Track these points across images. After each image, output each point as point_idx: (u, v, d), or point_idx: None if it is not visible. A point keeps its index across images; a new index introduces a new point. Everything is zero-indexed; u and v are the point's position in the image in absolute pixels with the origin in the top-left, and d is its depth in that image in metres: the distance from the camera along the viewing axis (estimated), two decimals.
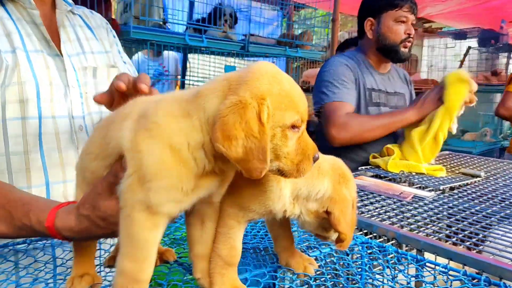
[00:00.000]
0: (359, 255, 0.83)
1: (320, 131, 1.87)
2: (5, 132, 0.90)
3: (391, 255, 0.80)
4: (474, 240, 0.93)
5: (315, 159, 0.59)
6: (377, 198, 1.24)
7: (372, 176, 1.60)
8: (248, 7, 2.63)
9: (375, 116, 1.78)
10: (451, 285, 0.69)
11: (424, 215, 1.09)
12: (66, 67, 0.99)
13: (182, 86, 3.33)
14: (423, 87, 3.79)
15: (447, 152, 2.08)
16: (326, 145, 1.78)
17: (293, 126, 0.55)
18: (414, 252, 0.90)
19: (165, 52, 3.10)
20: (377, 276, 0.76)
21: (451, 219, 1.06)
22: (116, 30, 2.29)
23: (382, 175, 1.57)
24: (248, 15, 2.65)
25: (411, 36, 1.86)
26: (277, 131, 0.55)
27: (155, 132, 0.54)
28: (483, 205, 1.18)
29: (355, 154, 1.82)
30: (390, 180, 1.52)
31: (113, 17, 2.37)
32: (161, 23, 2.46)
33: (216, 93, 0.54)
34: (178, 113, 0.54)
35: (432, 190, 1.36)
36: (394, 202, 1.20)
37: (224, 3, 2.58)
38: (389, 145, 1.73)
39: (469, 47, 5.34)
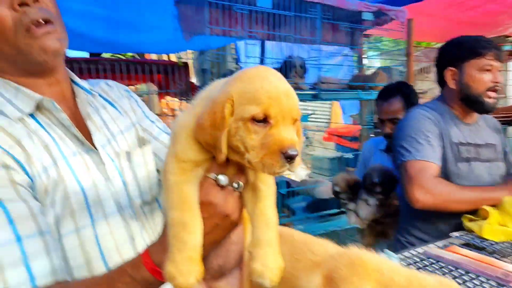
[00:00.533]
0: None
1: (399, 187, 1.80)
2: (62, 249, 0.86)
3: None
4: None
5: (287, 156, 0.61)
6: (473, 278, 1.13)
7: (464, 245, 1.48)
8: (318, 55, 2.65)
9: (465, 188, 1.66)
10: None
11: None
12: (104, 160, 0.95)
13: None
14: (511, 114, 3.45)
15: None
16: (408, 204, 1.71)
17: (255, 120, 0.61)
18: None
19: None
20: None
21: None
22: (194, 92, 2.46)
23: (478, 245, 1.44)
24: (318, 63, 2.67)
25: (497, 84, 1.73)
26: (240, 124, 0.62)
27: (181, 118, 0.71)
28: None
29: (446, 214, 1.71)
30: (489, 253, 1.39)
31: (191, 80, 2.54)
32: None
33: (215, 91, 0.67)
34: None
35: None
36: (492, 287, 1.09)
37: (294, 55, 2.63)
38: (485, 206, 1.60)
39: None
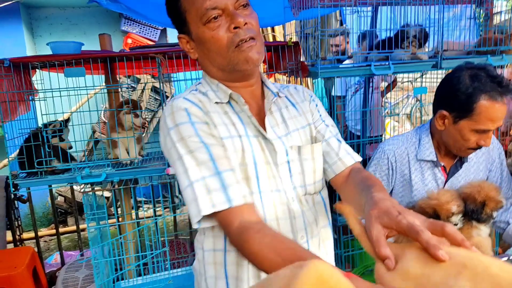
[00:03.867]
0: None
1: None
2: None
3: None
4: None
5: None
6: None
7: None
8: (440, 19, 2.39)
9: None
10: None
11: None
12: (277, 148, 1.17)
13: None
14: None
15: None
16: None
17: None
18: None
19: None
20: None
21: None
22: (305, 71, 2.46)
23: None
24: (440, 28, 2.41)
25: None
26: None
27: None
28: None
29: None
30: None
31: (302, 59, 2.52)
32: (340, 59, 2.49)
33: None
34: None
35: None
36: None
37: (411, 23, 2.42)
38: None
39: None
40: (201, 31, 1.10)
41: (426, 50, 2.51)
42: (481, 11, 2.74)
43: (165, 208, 4.70)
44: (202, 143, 1.05)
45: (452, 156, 1.72)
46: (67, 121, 2.45)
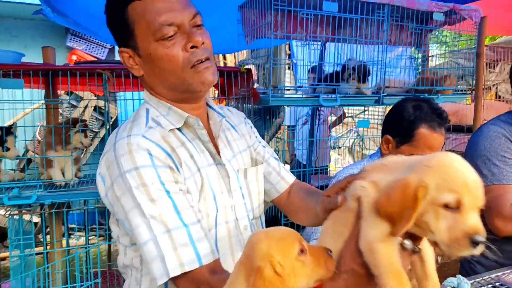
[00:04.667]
0: None
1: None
2: None
3: None
4: None
5: (474, 241, 0.66)
6: None
7: None
8: (382, 58, 2.55)
9: None
10: None
11: None
12: (229, 173, 1.12)
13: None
14: None
15: None
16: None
17: (447, 206, 0.67)
18: None
19: None
20: None
21: None
22: (256, 98, 2.48)
23: None
24: (383, 65, 2.56)
25: None
26: (429, 207, 0.68)
27: None
28: None
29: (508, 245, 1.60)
30: None
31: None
32: (293, 89, 2.56)
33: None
34: None
35: None
36: None
37: (355, 58, 2.56)
38: None
39: None
40: (153, 47, 0.99)
41: (369, 86, 2.65)
42: (419, 52, 2.97)
43: (100, 236, 4.40)
44: (165, 192, 0.93)
45: None
46: (10, 127, 2.22)
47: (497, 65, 5.48)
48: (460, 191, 0.67)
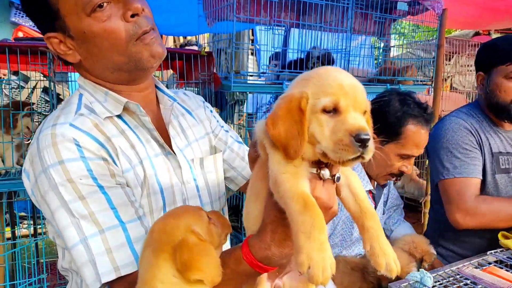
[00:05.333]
0: None
1: (438, 205, 1.71)
2: None
3: None
4: None
5: (358, 139, 0.64)
6: None
7: (500, 264, 1.41)
8: (346, 46, 2.51)
9: (510, 204, 1.56)
10: None
11: None
12: (181, 164, 1.01)
13: None
14: None
15: None
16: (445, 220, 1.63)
17: (326, 111, 0.68)
18: None
19: None
20: None
21: None
22: (217, 83, 2.37)
23: None
24: (347, 54, 2.53)
25: None
26: (313, 117, 0.68)
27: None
28: None
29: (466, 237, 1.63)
30: None
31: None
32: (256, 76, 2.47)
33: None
34: None
35: None
36: None
37: (319, 46, 2.50)
38: None
39: None
40: (86, 24, 0.87)
41: None
42: (381, 42, 2.97)
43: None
44: (97, 187, 0.84)
45: (372, 180, 1.72)
46: None
47: (452, 57, 5.68)
48: (335, 93, 0.67)
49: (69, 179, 0.82)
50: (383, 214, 1.78)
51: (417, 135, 1.53)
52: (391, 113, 1.55)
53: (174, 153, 1.00)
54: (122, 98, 0.95)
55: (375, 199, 1.71)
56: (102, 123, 0.92)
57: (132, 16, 0.88)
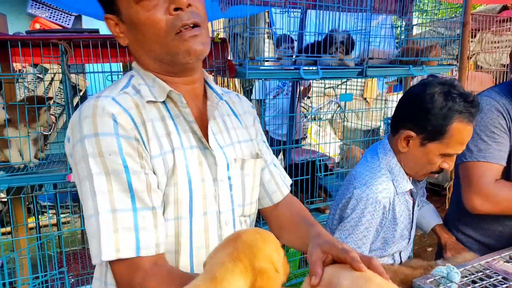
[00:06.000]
0: None
1: (457, 190, 1.62)
2: None
3: None
4: None
5: None
6: None
7: None
8: (366, 27, 2.39)
9: None
10: None
11: None
12: (218, 160, 0.99)
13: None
14: None
15: None
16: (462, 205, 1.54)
17: None
18: None
19: None
20: None
21: None
22: (232, 71, 2.30)
23: None
24: (367, 35, 2.41)
25: None
26: None
27: None
28: None
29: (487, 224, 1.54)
30: None
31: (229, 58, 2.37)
32: (271, 62, 2.39)
33: None
34: None
35: None
36: None
37: (338, 29, 2.39)
38: None
39: None
40: (133, 11, 0.89)
41: (352, 57, 2.50)
42: (403, 21, 2.83)
43: (75, 214, 4.23)
44: (123, 167, 0.85)
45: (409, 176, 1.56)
46: None
47: (476, 34, 5.41)
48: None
49: (99, 152, 0.85)
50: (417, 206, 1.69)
51: (463, 133, 1.36)
52: (435, 110, 1.36)
53: (211, 149, 0.99)
54: (167, 86, 0.96)
55: (413, 195, 1.59)
56: (144, 105, 0.94)
57: (176, 9, 0.89)
